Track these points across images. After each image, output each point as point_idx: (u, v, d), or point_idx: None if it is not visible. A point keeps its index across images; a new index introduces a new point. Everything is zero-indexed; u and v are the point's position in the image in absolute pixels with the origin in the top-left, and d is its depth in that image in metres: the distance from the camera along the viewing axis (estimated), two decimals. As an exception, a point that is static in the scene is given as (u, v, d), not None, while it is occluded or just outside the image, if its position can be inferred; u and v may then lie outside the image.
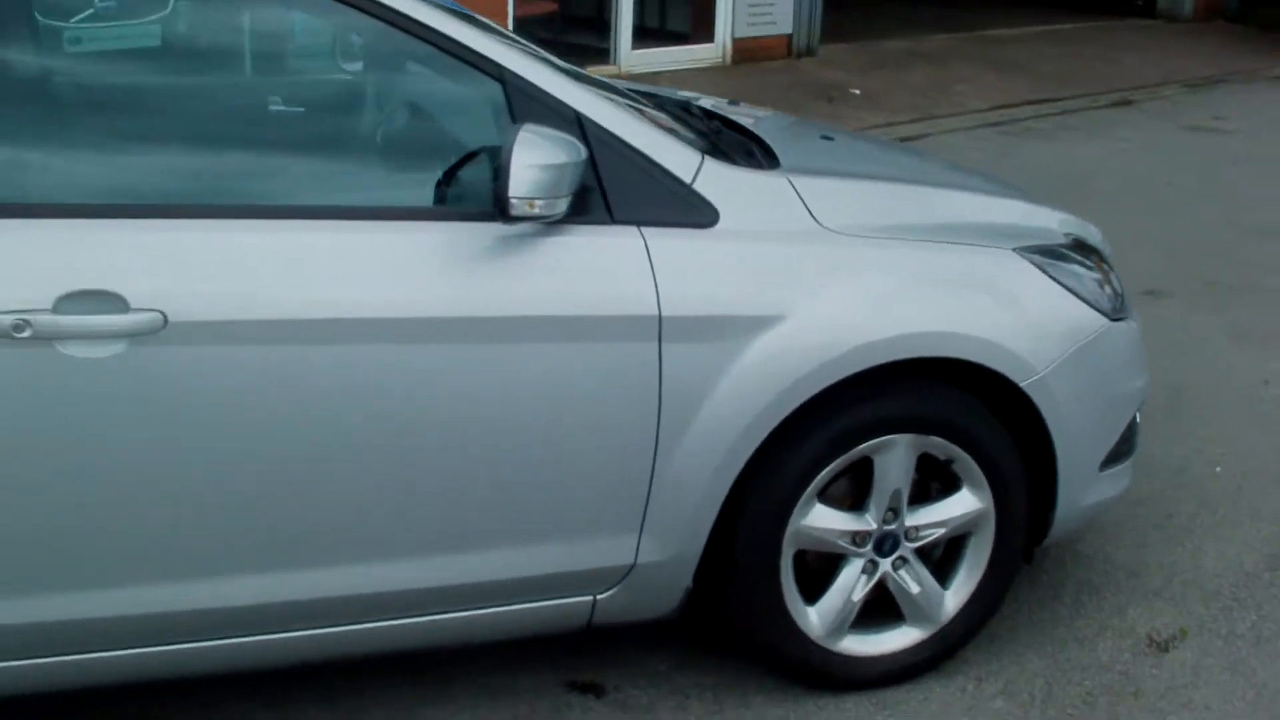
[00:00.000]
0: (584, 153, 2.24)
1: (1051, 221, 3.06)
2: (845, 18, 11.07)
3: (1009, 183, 3.50)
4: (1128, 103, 9.82)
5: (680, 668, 2.85)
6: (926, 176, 3.17)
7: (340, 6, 2.25)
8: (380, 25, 2.27)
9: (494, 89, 2.33)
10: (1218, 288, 5.48)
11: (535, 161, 2.14)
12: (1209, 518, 3.59)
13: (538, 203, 2.16)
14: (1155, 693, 2.83)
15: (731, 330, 2.41)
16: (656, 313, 2.36)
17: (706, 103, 3.36)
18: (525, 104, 2.31)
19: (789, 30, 10.15)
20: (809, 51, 10.34)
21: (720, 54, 9.81)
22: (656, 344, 2.37)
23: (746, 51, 9.88)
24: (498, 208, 2.18)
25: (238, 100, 2.52)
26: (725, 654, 2.86)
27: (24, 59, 2.25)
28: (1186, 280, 5.57)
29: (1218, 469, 3.87)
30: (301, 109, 2.56)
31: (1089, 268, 2.90)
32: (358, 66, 2.53)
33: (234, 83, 2.51)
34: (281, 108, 2.52)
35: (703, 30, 9.84)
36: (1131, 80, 10.59)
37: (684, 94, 3.47)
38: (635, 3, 9.37)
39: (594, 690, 2.77)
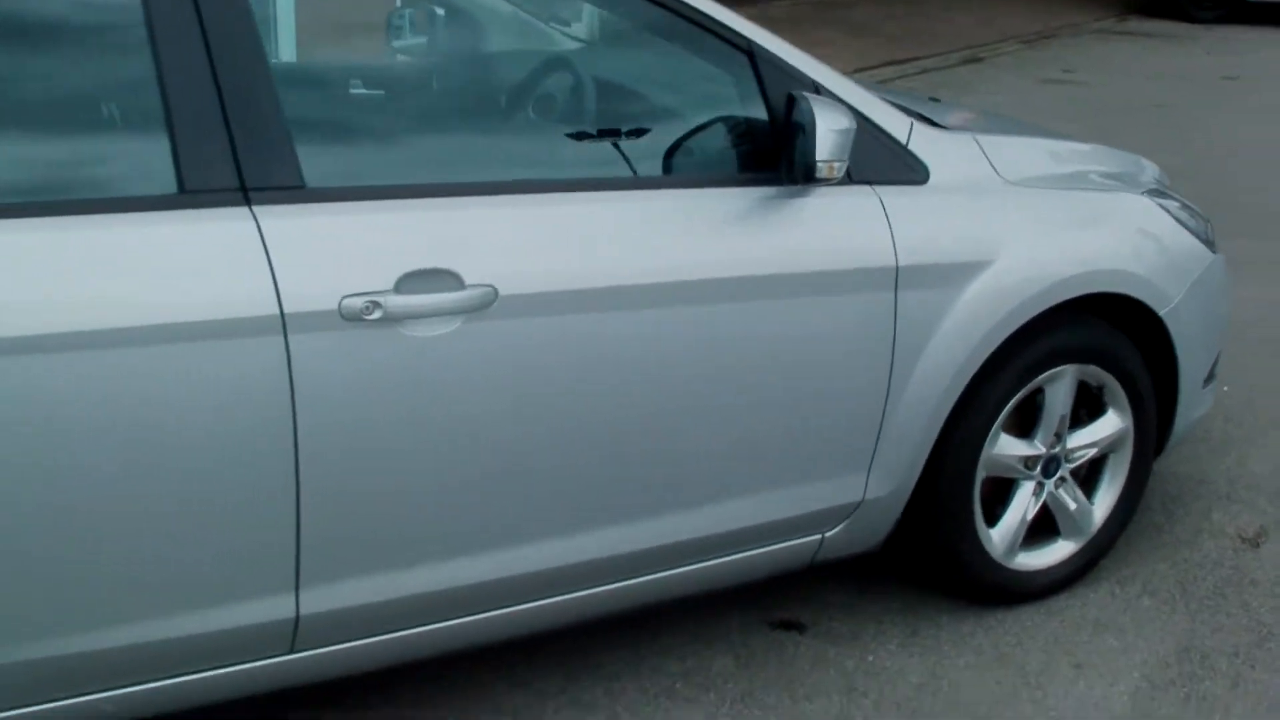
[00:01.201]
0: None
1: (1137, 165, 3.42)
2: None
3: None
4: (978, 59, 10.49)
5: (862, 599, 3.10)
6: (1040, 130, 3.48)
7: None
8: (643, 2, 2.43)
9: (741, 61, 2.51)
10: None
11: (834, 126, 2.35)
12: (1238, 430, 4.05)
13: (835, 165, 2.37)
14: (1270, 580, 3.24)
15: (952, 276, 2.67)
16: (894, 264, 2.59)
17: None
18: (775, 75, 2.51)
19: None
20: (672, 20, 10.60)
21: (593, 25, 9.98)
22: (893, 292, 2.61)
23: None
24: (801, 171, 2.37)
25: (547, 83, 2.62)
26: (894, 583, 3.13)
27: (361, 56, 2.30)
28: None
29: (1225, 388, 4.34)
30: (589, 87, 2.66)
31: (1187, 205, 3.27)
32: (629, 43, 2.66)
33: (541, 69, 2.61)
34: (573, 87, 2.63)
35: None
36: (974, 39, 11.29)
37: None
38: None
39: (797, 627, 3.00)
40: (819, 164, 2.35)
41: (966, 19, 12.32)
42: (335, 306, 2.09)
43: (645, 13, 2.47)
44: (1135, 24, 12.79)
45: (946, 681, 2.83)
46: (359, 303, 2.10)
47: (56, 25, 2.12)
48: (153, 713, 2.27)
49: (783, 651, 2.92)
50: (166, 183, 2.05)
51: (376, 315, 2.12)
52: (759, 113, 2.53)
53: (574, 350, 2.31)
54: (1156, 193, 3.18)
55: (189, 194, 2.05)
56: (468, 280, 2.19)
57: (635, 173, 2.45)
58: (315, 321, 2.08)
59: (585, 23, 2.63)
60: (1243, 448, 3.93)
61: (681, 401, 2.45)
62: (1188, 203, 3.35)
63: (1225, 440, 3.98)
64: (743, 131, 2.53)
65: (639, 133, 2.46)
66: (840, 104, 2.44)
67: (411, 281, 2.15)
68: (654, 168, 2.47)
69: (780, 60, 2.53)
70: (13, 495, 1.97)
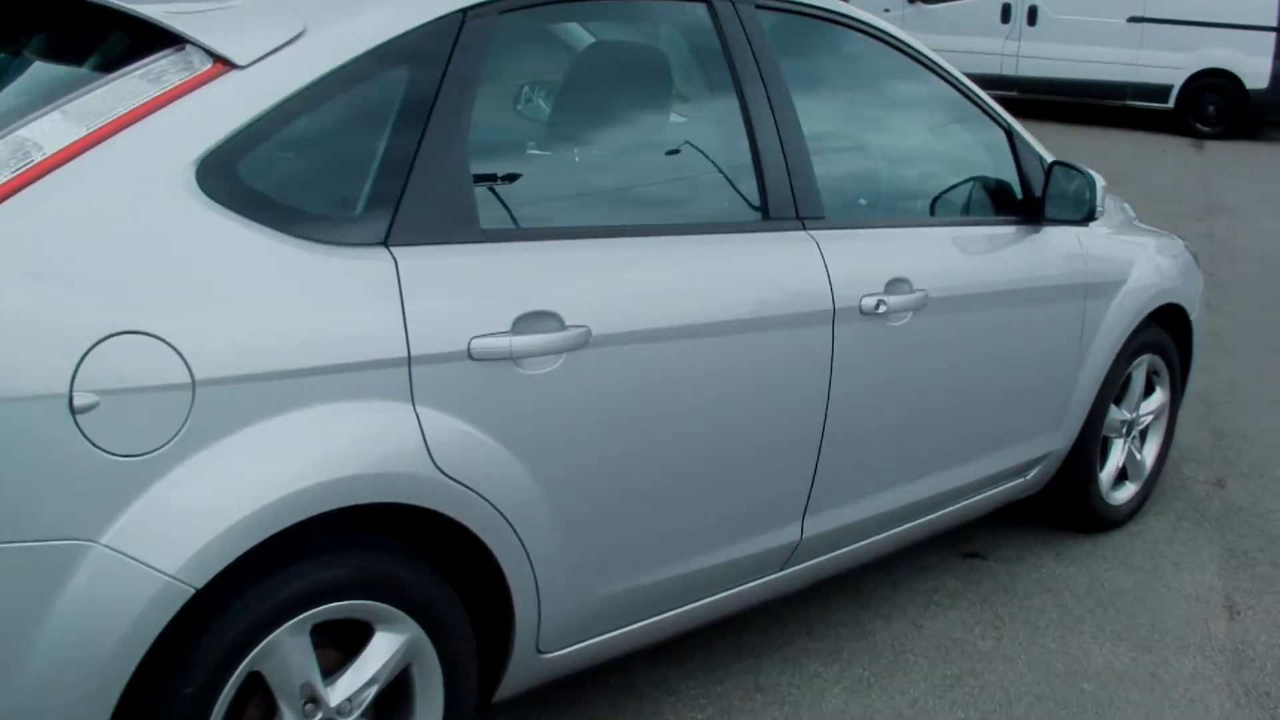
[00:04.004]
0: None
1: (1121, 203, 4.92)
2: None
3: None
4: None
5: (1005, 535, 4.37)
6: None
7: (931, 75, 3.62)
8: (948, 88, 3.66)
9: (999, 136, 3.76)
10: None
11: (1102, 184, 3.63)
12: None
13: (1101, 210, 3.65)
14: (1245, 507, 4.74)
15: (1110, 289, 4.03)
16: (1085, 280, 3.91)
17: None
18: (1023, 149, 3.78)
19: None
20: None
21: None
22: (1083, 301, 3.92)
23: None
24: (1086, 216, 3.64)
25: (909, 145, 3.76)
26: (1008, 524, 4.40)
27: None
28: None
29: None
30: (934, 153, 3.83)
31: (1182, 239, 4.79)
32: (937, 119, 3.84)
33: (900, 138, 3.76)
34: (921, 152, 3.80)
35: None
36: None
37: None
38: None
39: (979, 555, 4.22)
40: (1097, 210, 3.64)
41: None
42: (857, 304, 3.14)
43: (947, 98, 3.70)
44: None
45: (1105, 580, 4.14)
46: (872, 301, 3.17)
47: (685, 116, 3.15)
48: (686, 629, 3.17)
49: (983, 571, 4.13)
50: (756, 214, 3.06)
51: (882, 310, 3.18)
52: (1007, 173, 3.79)
53: (959, 339, 3.47)
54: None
55: (771, 220, 3.07)
56: (915, 285, 3.29)
57: (964, 213, 3.66)
58: (848, 315, 3.13)
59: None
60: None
61: (983, 374, 3.65)
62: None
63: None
64: (993, 185, 3.79)
65: (952, 185, 3.68)
66: (1084, 170, 3.74)
67: (890, 287, 3.23)
68: (962, 210, 3.68)
69: (1025, 140, 3.81)
70: (642, 462, 2.84)
